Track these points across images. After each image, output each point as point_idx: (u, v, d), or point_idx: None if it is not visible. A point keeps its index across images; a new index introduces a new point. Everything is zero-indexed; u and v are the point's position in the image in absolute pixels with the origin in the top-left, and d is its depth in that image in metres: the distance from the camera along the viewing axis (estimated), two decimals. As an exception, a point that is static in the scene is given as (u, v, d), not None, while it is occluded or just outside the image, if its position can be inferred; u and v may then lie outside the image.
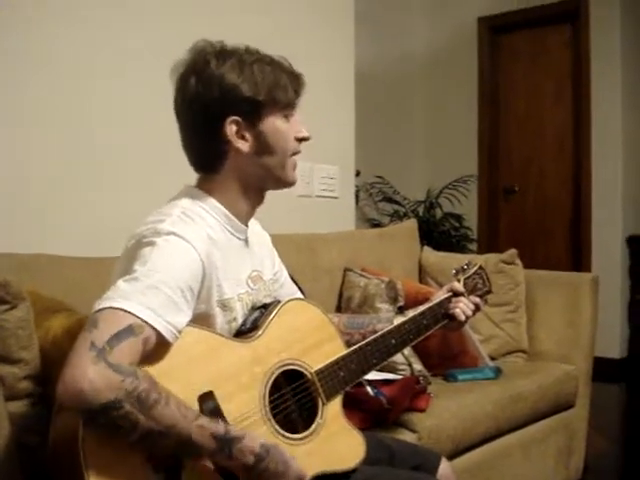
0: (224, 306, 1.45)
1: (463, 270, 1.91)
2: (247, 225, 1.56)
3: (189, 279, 1.33)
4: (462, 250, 5.07)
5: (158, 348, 1.25)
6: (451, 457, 2.11)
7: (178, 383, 1.26)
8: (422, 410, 2.21)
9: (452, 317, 1.80)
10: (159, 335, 1.24)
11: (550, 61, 5.32)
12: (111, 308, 1.21)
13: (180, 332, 1.29)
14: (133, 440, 1.17)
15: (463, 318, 1.79)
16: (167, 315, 1.26)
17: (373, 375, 2.19)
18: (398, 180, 5.44)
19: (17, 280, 1.53)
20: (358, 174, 4.10)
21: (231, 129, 1.45)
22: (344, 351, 1.56)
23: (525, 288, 3.06)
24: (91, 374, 1.12)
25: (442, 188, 5.39)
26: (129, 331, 1.19)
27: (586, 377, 2.92)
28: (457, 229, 5.38)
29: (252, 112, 1.45)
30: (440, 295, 1.84)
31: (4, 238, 2.07)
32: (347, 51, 3.50)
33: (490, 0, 5.44)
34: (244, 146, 1.46)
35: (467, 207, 5.45)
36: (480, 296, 1.90)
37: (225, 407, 1.31)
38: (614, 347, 4.91)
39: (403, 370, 2.42)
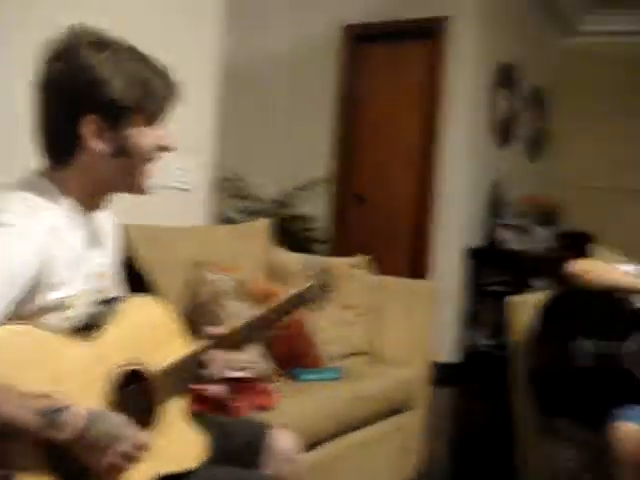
0: (63, 304, 1.38)
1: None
2: (92, 213, 1.50)
3: (19, 274, 1.28)
4: (313, 252, 5.12)
5: None
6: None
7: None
8: (268, 409, 2.21)
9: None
10: None
11: (407, 75, 5.46)
12: None
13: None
14: None
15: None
16: None
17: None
18: (256, 178, 5.44)
19: None
20: (215, 169, 4.04)
21: (89, 127, 1.37)
22: (187, 350, 1.51)
23: (371, 293, 3.13)
24: None
25: (294, 189, 5.44)
26: None
27: (424, 381, 3.02)
28: (308, 230, 5.44)
29: (116, 116, 1.38)
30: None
31: None
32: (211, 44, 3.44)
33: (355, 9, 5.51)
34: (99, 146, 1.39)
35: (320, 209, 5.54)
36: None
37: None
38: (452, 352, 5.14)
39: (248, 369, 2.41)
